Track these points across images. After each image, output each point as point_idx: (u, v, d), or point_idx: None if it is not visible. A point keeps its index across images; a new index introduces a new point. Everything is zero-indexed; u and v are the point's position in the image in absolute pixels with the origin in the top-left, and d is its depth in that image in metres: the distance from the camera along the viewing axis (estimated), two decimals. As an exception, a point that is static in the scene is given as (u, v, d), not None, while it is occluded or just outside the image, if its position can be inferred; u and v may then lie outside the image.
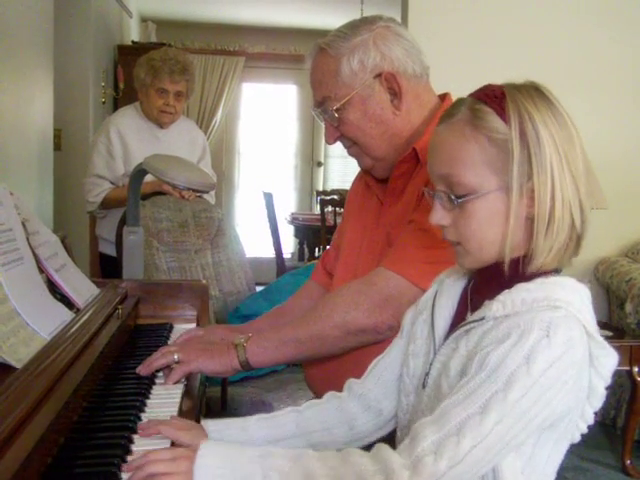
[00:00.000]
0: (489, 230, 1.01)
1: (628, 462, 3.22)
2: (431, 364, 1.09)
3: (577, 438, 1.07)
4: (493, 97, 1.02)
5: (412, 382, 1.14)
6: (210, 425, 1.16)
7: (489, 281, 1.06)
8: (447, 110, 1.08)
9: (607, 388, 1.03)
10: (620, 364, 3.18)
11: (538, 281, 1.01)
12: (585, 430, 1.06)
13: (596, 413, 1.04)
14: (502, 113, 1.00)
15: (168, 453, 0.98)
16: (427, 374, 1.10)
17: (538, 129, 0.99)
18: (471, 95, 1.07)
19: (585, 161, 1.05)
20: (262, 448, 0.99)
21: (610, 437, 3.62)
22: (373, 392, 1.21)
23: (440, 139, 1.06)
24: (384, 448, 0.94)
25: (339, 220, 5.23)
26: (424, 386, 1.10)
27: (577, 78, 3.74)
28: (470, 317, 1.05)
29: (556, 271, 1.04)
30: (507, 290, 1.01)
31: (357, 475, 0.91)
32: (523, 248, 1.02)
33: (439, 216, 1.06)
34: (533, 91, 1.03)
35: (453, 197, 1.02)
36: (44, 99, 3.63)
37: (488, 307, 1.01)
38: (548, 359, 0.92)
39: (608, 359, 1.00)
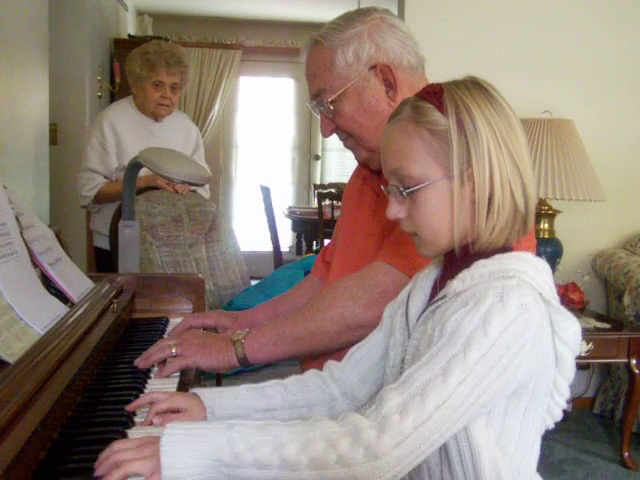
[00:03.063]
0: (440, 217, 1.08)
1: (626, 454, 3.22)
2: (406, 350, 1.14)
3: (557, 415, 1.12)
4: (432, 93, 1.10)
5: (392, 372, 1.18)
6: (204, 392, 1.20)
7: (454, 265, 1.11)
8: (394, 110, 1.15)
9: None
10: (618, 356, 3.21)
11: (495, 257, 1.06)
12: (564, 405, 1.11)
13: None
14: (440, 107, 1.08)
15: (134, 441, 0.98)
16: (403, 360, 1.14)
17: (474, 117, 1.05)
18: (415, 94, 1.14)
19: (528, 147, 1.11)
20: (227, 421, 1.00)
21: (608, 429, 3.63)
22: (350, 378, 1.25)
23: (388, 137, 1.13)
24: (351, 413, 0.98)
25: (337, 213, 5.25)
26: (401, 373, 1.12)
27: (574, 72, 3.73)
28: (435, 298, 1.11)
29: (511, 249, 1.10)
30: (466, 269, 1.06)
31: (325, 438, 0.94)
32: (472, 231, 1.08)
33: (395, 210, 1.12)
34: (470, 84, 1.10)
35: (402, 189, 1.09)
36: (40, 93, 3.62)
37: (449, 285, 1.07)
38: (503, 322, 0.98)
39: (568, 323, 1.05)
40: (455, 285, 1.05)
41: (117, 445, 0.96)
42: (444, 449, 1.04)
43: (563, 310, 1.05)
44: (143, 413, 1.20)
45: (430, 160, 1.07)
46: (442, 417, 0.94)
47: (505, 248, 1.09)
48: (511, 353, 0.97)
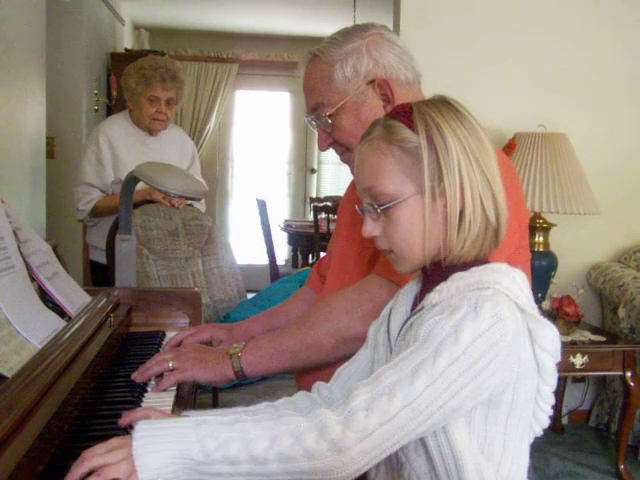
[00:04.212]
0: (414, 232, 1.10)
1: (622, 467, 3.22)
2: None
3: (544, 421, 1.13)
4: (402, 112, 1.12)
5: None
6: (197, 414, 1.16)
7: (431, 279, 1.13)
8: (365, 130, 1.17)
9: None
10: (613, 369, 3.21)
11: (472, 269, 1.08)
12: (549, 411, 1.13)
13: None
14: (411, 125, 1.10)
15: (103, 446, 0.98)
16: None
17: (444, 134, 1.08)
18: (385, 114, 1.17)
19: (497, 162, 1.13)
20: (196, 418, 1.01)
21: (604, 442, 3.63)
22: (338, 398, 1.24)
23: (361, 157, 1.16)
24: (318, 407, 1.01)
25: (332, 227, 5.26)
26: None
27: (568, 86, 3.75)
28: (414, 311, 1.12)
29: (487, 261, 1.12)
30: (444, 281, 1.08)
31: (292, 434, 0.96)
32: (445, 246, 1.10)
33: (370, 228, 1.15)
34: (439, 102, 1.13)
35: (376, 206, 1.11)
36: (37, 107, 3.63)
37: (427, 298, 1.09)
38: (475, 331, 0.99)
39: (546, 331, 1.07)
40: (432, 297, 1.08)
41: (87, 453, 0.96)
42: (430, 459, 1.05)
43: (540, 318, 1.06)
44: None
45: (403, 177, 1.09)
46: (407, 418, 0.96)
47: (481, 260, 1.11)
48: (483, 361, 0.99)
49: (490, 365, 0.99)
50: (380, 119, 1.16)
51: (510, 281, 1.06)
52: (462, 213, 1.07)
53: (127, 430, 1.17)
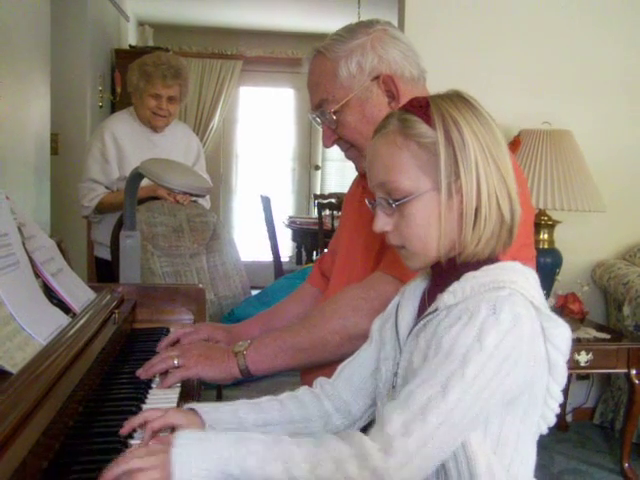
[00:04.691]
0: (429, 229, 1.09)
1: (626, 465, 3.21)
2: (398, 364, 1.14)
3: (551, 420, 1.13)
4: (419, 106, 1.11)
5: (385, 386, 1.18)
6: (202, 407, 1.17)
7: (441, 277, 1.12)
8: (380, 123, 1.15)
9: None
10: (618, 367, 3.20)
11: (484, 268, 1.07)
12: (557, 410, 1.12)
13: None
14: (428, 119, 1.08)
15: (144, 449, 0.97)
16: (395, 374, 1.14)
17: (462, 130, 1.06)
18: (400, 108, 1.15)
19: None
20: (238, 433, 1.00)
21: (608, 440, 3.63)
22: (343, 394, 1.25)
23: (375, 151, 1.14)
24: (357, 434, 0.98)
25: (337, 224, 5.26)
26: (394, 386, 1.14)
27: (573, 83, 3.74)
28: (426, 312, 1.11)
29: (497, 260, 1.11)
30: (456, 281, 1.07)
31: (334, 460, 0.94)
32: (459, 243, 1.09)
33: (382, 223, 1.13)
34: (455, 97, 1.11)
35: (391, 201, 1.09)
36: (41, 103, 3.63)
37: (440, 299, 1.07)
38: (498, 334, 0.98)
39: (560, 330, 1.06)
40: (446, 298, 1.06)
41: (128, 454, 0.95)
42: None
43: (554, 317, 1.06)
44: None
45: (419, 173, 1.07)
46: (444, 435, 0.95)
47: (491, 259, 1.10)
48: (508, 364, 0.98)
49: (515, 367, 0.99)
50: (394, 112, 1.14)
51: (524, 280, 1.05)
52: (477, 210, 1.06)
53: (130, 434, 1.16)
